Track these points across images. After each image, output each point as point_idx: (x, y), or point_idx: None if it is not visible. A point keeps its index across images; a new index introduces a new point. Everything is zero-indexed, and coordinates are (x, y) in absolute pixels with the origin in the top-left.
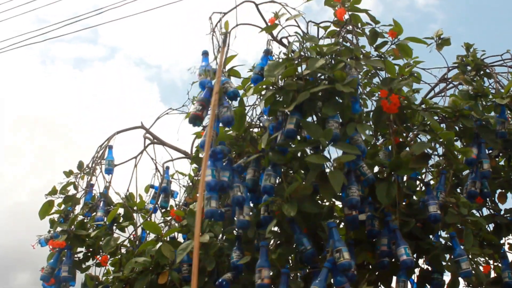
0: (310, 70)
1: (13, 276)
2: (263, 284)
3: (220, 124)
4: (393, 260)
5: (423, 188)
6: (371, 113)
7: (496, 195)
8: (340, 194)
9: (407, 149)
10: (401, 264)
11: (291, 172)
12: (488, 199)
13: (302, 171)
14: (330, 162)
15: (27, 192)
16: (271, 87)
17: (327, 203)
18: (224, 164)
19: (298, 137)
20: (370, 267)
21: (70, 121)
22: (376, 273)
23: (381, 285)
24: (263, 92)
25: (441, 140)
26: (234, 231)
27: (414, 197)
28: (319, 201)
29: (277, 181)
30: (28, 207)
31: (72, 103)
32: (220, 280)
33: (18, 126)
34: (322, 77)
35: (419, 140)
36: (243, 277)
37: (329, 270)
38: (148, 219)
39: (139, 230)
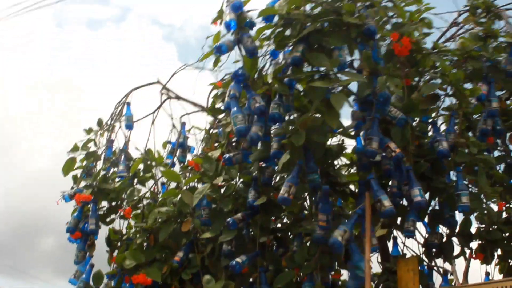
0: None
1: (38, 241)
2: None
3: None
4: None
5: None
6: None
7: (507, 137)
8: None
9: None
10: (415, 205)
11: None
12: (499, 140)
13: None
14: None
15: (49, 158)
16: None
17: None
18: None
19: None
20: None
21: (88, 82)
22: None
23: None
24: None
25: (450, 81)
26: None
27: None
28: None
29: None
30: (51, 172)
31: (88, 64)
32: (229, 219)
33: (36, 91)
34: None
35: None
36: (259, 217)
37: (359, 216)
38: None
39: (160, 185)
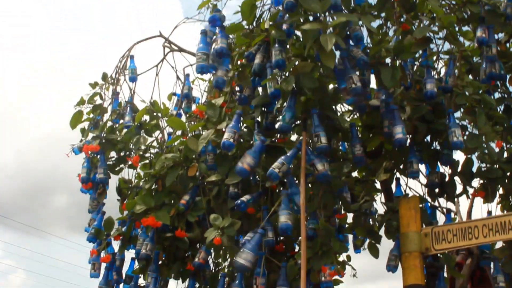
0: None
1: (51, 199)
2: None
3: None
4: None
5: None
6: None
7: (507, 79)
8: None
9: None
10: (395, 142)
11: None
12: (499, 82)
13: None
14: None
15: (62, 119)
16: None
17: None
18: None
19: None
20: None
21: (92, 37)
22: (392, 161)
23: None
24: None
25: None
26: None
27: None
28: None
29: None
30: (64, 132)
31: (90, 20)
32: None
33: (46, 51)
34: None
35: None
36: (263, 161)
37: (298, 150)
38: None
39: (166, 136)
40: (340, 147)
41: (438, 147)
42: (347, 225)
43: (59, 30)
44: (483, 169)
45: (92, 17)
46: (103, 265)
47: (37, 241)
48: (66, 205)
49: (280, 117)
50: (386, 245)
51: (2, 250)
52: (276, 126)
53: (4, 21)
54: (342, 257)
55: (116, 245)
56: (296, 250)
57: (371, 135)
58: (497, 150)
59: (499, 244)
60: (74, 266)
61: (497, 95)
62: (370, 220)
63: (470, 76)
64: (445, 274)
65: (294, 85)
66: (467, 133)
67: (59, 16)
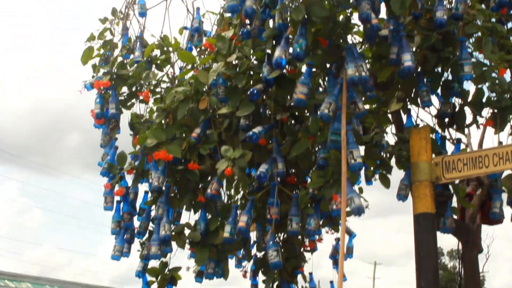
0: None
1: (64, 139)
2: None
3: None
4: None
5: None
6: None
7: None
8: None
9: None
10: (404, 70)
11: None
12: None
13: None
14: None
15: (74, 59)
16: None
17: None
18: None
19: None
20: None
21: None
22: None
23: (408, 102)
24: None
25: None
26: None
27: None
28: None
29: None
30: (75, 68)
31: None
32: (251, 89)
33: None
34: None
35: None
36: (273, 91)
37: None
38: None
39: (177, 70)
40: None
41: (449, 77)
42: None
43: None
44: (493, 98)
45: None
46: (116, 198)
47: (52, 180)
48: (78, 144)
49: (294, 45)
50: (397, 177)
51: (18, 189)
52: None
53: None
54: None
55: (129, 179)
56: (309, 181)
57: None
58: (508, 79)
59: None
60: (88, 203)
61: (510, 24)
62: (381, 152)
63: (483, 6)
64: (455, 205)
65: (305, 15)
66: (473, 60)
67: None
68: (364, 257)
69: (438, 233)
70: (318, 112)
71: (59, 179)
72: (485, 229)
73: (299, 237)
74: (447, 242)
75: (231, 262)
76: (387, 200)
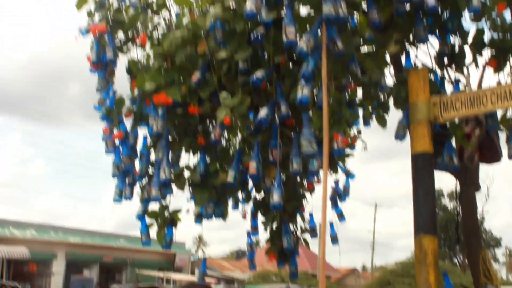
0: None
1: (65, 88)
2: None
3: None
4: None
5: None
6: None
7: None
8: None
9: None
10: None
11: None
12: None
13: None
14: None
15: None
16: None
17: None
18: None
19: None
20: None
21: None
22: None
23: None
24: None
25: None
26: None
27: None
28: None
29: None
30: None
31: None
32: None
33: None
34: None
35: None
36: (272, 34)
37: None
38: None
39: (174, 15)
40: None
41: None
42: (357, 100)
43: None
44: (495, 38)
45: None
46: (117, 143)
47: (54, 129)
48: (80, 94)
49: None
50: (396, 119)
51: (20, 139)
52: None
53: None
54: (353, 132)
55: (128, 124)
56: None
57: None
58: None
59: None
60: (91, 152)
61: None
62: (380, 93)
63: None
64: (454, 144)
65: None
66: None
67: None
68: (365, 200)
69: (438, 175)
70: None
71: (61, 129)
72: (485, 169)
73: (298, 178)
74: (447, 183)
75: (231, 203)
76: (388, 143)
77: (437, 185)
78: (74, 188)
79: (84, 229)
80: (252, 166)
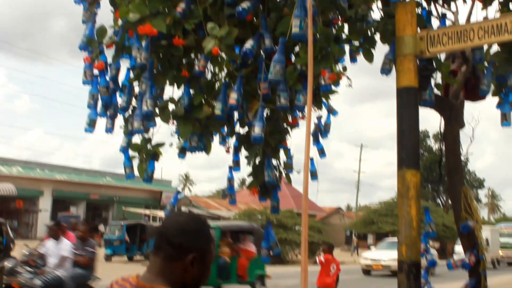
0: None
1: (51, 24)
2: None
3: None
4: None
5: None
6: None
7: None
8: None
9: None
10: None
11: None
12: None
13: None
14: None
15: None
16: None
17: None
18: None
19: None
20: None
21: None
22: None
23: None
24: None
25: None
26: None
27: None
28: None
29: None
30: None
31: None
32: None
33: None
34: None
35: None
36: None
37: None
38: None
39: None
40: None
41: None
42: (344, 36)
43: None
44: None
45: None
46: (96, 73)
47: (40, 66)
48: (66, 30)
49: None
50: (382, 55)
51: (6, 76)
52: None
53: None
54: (338, 69)
55: (109, 55)
56: (293, 59)
57: None
58: None
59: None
60: (77, 89)
61: None
62: (367, 28)
63: None
64: (439, 81)
65: None
66: None
67: None
68: (351, 140)
69: (424, 114)
70: None
71: (47, 66)
72: (470, 111)
73: (282, 113)
74: (433, 125)
75: (215, 139)
76: (375, 84)
77: (423, 126)
78: (59, 126)
79: (70, 166)
80: (233, 97)
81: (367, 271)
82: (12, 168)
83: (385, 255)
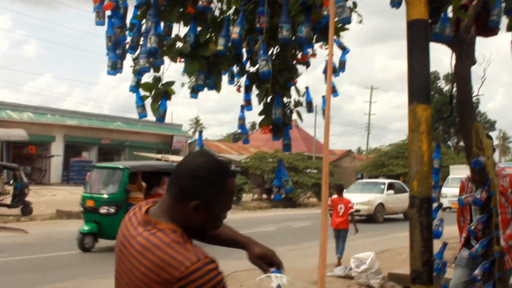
0: None
1: None
2: None
3: None
4: None
5: None
6: None
7: None
8: None
9: None
10: None
11: None
12: None
13: None
14: None
15: None
16: None
17: None
18: None
19: None
20: None
21: None
22: None
23: None
24: None
25: None
26: None
27: None
28: None
29: None
30: None
31: None
32: None
33: None
34: None
35: None
36: None
37: None
38: None
39: None
40: None
41: None
42: None
43: None
44: None
45: None
46: (107, 13)
47: (48, 10)
48: None
49: None
50: None
51: (13, 20)
52: None
53: None
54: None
55: None
56: None
57: None
58: None
59: None
60: (87, 33)
61: None
62: None
63: None
64: (450, 15)
65: None
66: None
67: None
68: (361, 83)
69: (434, 55)
70: None
71: (55, 10)
72: (482, 51)
73: (293, 51)
74: (444, 66)
75: (225, 79)
76: (385, 25)
77: (433, 68)
78: (70, 70)
79: (81, 111)
80: (235, 31)
81: None
82: (23, 114)
83: (356, 198)
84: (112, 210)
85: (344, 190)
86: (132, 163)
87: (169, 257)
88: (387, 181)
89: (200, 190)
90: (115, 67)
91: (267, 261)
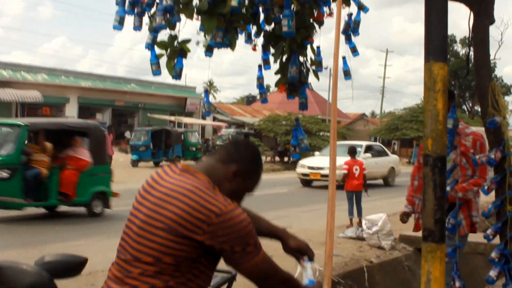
0: None
1: None
2: None
3: None
4: None
5: None
6: None
7: None
8: None
9: None
10: None
11: None
12: None
13: None
14: None
15: None
16: None
17: None
18: None
19: None
20: None
21: None
22: None
23: None
24: None
25: None
26: None
27: None
28: None
29: None
30: None
31: None
32: None
33: None
34: None
35: None
36: None
37: None
38: None
39: None
40: None
41: None
42: None
43: None
44: None
45: None
46: None
47: None
48: None
49: None
50: None
51: None
52: None
53: None
54: None
55: None
56: None
57: None
58: None
59: None
60: None
61: None
62: None
63: None
64: None
65: None
66: None
67: None
68: (377, 46)
69: (451, 19)
70: None
71: None
72: (500, 15)
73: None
74: (461, 30)
75: (240, 39)
76: None
77: (450, 31)
78: (83, 32)
79: (96, 73)
80: None
81: (306, 181)
82: (37, 76)
83: (328, 162)
84: (4, 174)
85: (318, 153)
86: (34, 120)
87: (205, 201)
88: (364, 143)
89: (246, 160)
90: (122, 23)
91: (301, 252)
